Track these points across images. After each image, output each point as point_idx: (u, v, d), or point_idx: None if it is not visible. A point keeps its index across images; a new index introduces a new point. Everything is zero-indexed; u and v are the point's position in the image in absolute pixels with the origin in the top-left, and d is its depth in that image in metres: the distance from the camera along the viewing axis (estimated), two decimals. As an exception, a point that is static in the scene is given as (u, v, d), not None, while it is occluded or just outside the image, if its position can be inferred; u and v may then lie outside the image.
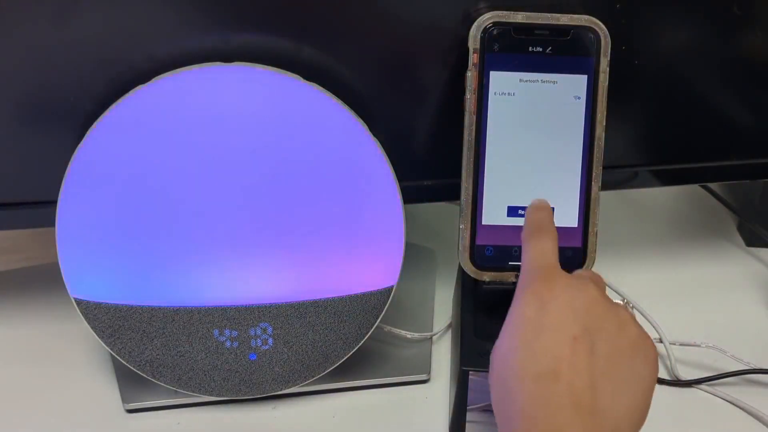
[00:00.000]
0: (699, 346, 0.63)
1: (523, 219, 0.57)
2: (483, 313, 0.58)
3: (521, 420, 0.42)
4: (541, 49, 0.55)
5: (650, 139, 0.64)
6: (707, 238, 0.78)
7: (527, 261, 0.48)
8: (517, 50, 0.55)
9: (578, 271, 0.50)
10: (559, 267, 0.47)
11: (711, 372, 0.62)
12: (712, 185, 0.80)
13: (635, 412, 0.43)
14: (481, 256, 0.57)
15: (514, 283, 0.57)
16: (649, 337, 0.45)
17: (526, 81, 0.56)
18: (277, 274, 0.55)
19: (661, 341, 0.64)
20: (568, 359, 0.42)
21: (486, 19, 0.55)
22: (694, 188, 0.82)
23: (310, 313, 0.56)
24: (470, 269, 0.57)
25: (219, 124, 0.52)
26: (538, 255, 0.48)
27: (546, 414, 0.41)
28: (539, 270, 0.47)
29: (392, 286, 0.57)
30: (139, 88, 0.52)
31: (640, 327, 0.45)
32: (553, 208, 0.57)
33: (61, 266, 0.54)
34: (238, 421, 0.58)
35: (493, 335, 0.56)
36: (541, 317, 0.44)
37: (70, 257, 0.54)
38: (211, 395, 0.57)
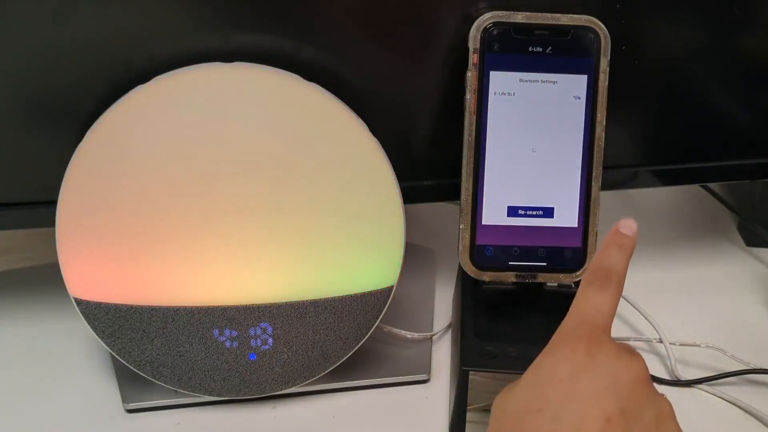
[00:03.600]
0: (699, 346, 0.63)
1: (523, 219, 0.57)
2: (483, 313, 0.58)
3: None
4: (541, 49, 0.56)
5: (650, 139, 0.64)
6: (707, 238, 0.78)
7: (577, 310, 0.42)
8: (517, 50, 0.55)
9: (626, 343, 0.43)
10: (610, 332, 0.41)
11: (711, 372, 0.62)
12: (712, 185, 0.80)
13: None
14: (481, 256, 0.57)
15: (515, 283, 0.58)
16: None
17: (526, 81, 0.56)
18: (277, 274, 0.55)
19: (661, 341, 0.64)
20: None
21: (486, 19, 0.55)
22: (694, 188, 0.82)
23: (310, 313, 0.56)
24: (470, 269, 0.57)
25: (219, 124, 0.52)
26: (593, 309, 0.41)
27: None
28: (587, 327, 0.40)
29: (392, 286, 0.57)
30: (139, 88, 0.52)
31: (679, 427, 0.40)
32: (552, 208, 0.57)
33: (61, 266, 0.54)
34: (238, 421, 0.58)
35: (493, 335, 0.56)
36: (576, 383, 0.38)
37: (70, 257, 0.54)
38: (211, 395, 0.57)
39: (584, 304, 0.42)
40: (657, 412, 0.39)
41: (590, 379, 0.38)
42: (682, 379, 0.61)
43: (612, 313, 0.42)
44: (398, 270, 0.56)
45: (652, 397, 0.40)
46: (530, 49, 0.55)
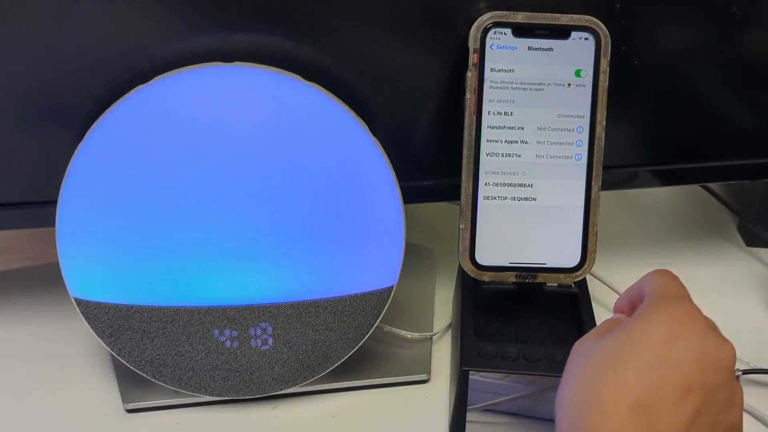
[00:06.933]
0: (699, 346, 0.63)
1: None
2: (483, 313, 0.58)
3: None
4: (541, 49, 0.55)
5: (650, 139, 0.64)
6: (707, 238, 0.78)
7: (658, 288, 0.44)
8: (517, 50, 0.55)
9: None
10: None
11: (711, 372, 0.62)
12: (712, 185, 0.80)
13: None
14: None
15: (514, 283, 0.58)
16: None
17: (526, 81, 0.56)
18: (277, 274, 0.55)
19: (661, 341, 0.64)
20: (671, 405, 0.39)
21: (486, 19, 0.55)
22: (694, 188, 0.82)
23: (310, 313, 0.56)
24: (470, 269, 0.57)
25: (219, 124, 0.52)
26: (671, 286, 0.44)
27: None
28: (677, 301, 0.43)
29: (392, 286, 0.57)
30: (139, 88, 0.52)
31: (742, 415, 0.43)
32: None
33: (61, 266, 0.54)
34: (238, 421, 0.58)
35: (493, 335, 0.56)
36: (668, 348, 0.40)
37: (70, 257, 0.54)
38: (211, 395, 0.57)
39: (660, 284, 0.44)
40: (730, 396, 0.41)
41: (682, 348, 0.40)
42: (682, 379, 0.61)
43: (686, 290, 0.45)
44: (398, 270, 0.56)
45: (730, 381, 0.41)
46: (530, 48, 0.55)
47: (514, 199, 0.57)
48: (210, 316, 0.55)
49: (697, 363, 0.40)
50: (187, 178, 0.53)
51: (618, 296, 0.66)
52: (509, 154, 0.56)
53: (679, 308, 0.42)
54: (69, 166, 0.52)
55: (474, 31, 0.55)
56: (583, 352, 0.43)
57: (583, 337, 0.44)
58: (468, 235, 0.57)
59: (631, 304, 0.47)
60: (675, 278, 0.45)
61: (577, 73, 0.56)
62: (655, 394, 0.39)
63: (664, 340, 0.41)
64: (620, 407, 0.39)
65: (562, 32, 0.55)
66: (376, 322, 0.57)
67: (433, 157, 0.61)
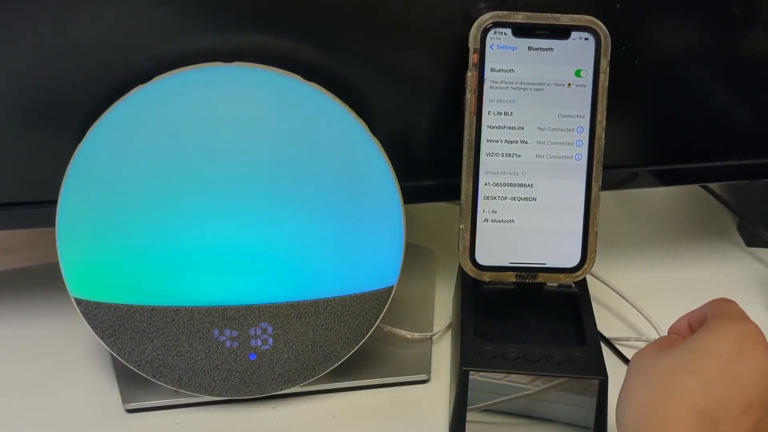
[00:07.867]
0: (699, 346, 0.63)
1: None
2: (483, 313, 0.58)
3: None
4: (541, 49, 0.56)
5: (650, 139, 0.64)
6: (707, 238, 0.78)
7: (723, 309, 0.47)
8: (517, 50, 0.55)
9: None
10: None
11: (711, 372, 0.62)
12: (712, 185, 0.80)
13: None
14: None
15: (514, 283, 0.58)
16: None
17: (526, 81, 0.56)
18: (277, 274, 0.55)
19: (661, 341, 0.64)
20: (734, 418, 0.42)
21: (486, 19, 0.55)
22: (694, 188, 0.82)
23: (310, 313, 0.56)
24: (470, 269, 0.57)
25: (219, 124, 0.52)
26: (735, 309, 0.47)
27: None
28: (743, 321, 0.45)
29: (392, 286, 0.57)
30: (139, 88, 0.52)
31: None
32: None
33: (61, 266, 0.54)
34: (238, 421, 0.58)
35: (493, 335, 0.57)
36: (733, 364, 0.43)
37: (70, 257, 0.54)
38: (211, 395, 0.57)
39: (728, 308, 0.47)
40: None
41: (746, 364, 0.43)
42: (682, 379, 0.61)
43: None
44: (398, 270, 0.56)
45: None
46: (530, 48, 0.55)
47: (514, 199, 0.57)
48: (210, 316, 0.55)
49: (760, 380, 0.43)
50: (186, 178, 0.53)
51: (618, 296, 0.67)
52: (509, 154, 0.56)
53: (745, 328, 0.45)
54: (69, 166, 0.52)
55: (474, 31, 0.55)
56: (644, 365, 0.45)
57: (640, 351, 0.47)
58: (468, 235, 0.57)
59: (690, 328, 0.49)
60: (736, 304, 0.48)
61: (577, 73, 0.56)
62: (719, 406, 0.42)
63: (729, 356, 0.43)
64: (687, 416, 0.41)
65: (562, 32, 0.55)
66: (376, 322, 0.57)
67: (433, 157, 0.61)
